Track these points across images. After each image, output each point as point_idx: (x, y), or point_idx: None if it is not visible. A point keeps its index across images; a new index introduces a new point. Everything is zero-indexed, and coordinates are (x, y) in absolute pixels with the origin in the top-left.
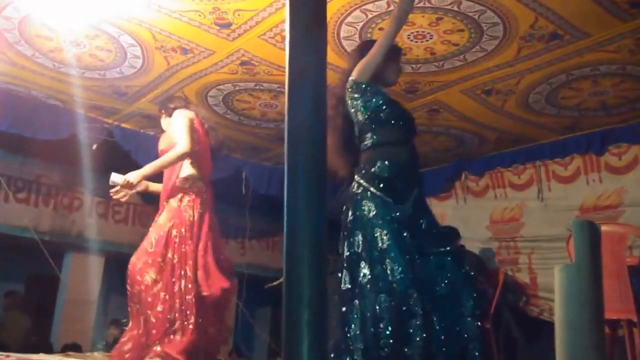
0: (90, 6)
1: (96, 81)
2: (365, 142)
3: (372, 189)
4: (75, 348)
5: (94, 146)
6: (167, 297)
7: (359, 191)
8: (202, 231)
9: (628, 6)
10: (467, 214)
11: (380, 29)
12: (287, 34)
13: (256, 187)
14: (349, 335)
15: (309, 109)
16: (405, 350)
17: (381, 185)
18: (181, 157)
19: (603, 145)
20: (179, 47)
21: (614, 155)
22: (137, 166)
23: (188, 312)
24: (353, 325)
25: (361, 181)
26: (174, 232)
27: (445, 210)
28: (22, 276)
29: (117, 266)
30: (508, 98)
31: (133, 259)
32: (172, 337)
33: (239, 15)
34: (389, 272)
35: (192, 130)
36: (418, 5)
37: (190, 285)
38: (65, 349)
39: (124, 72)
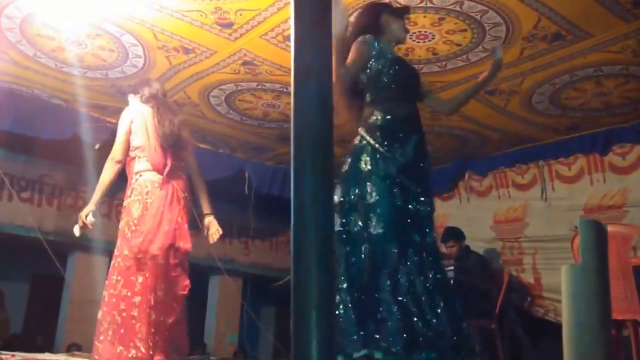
0: (92, 6)
1: (98, 81)
2: (366, 99)
3: (370, 139)
4: (77, 348)
5: (97, 146)
6: (127, 293)
7: (359, 144)
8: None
9: (631, 6)
10: (470, 214)
11: None
12: (292, 29)
13: (259, 186)
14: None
15: (315, 106)
16: (376, 295)
17: (378, 133)
18: (113, 167)
19: (607, 145)
20: (181, 46)
21: (617, 155)
22: None
23: None
24: (340, 264)
25: (361, 132)
26: (126, 229)
27: (448, 210)
28: (27, 276)
29: None
30: (511, 98)
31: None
32: None
33: (240, 15)
34: (372, 226)
35: (128, 132)
36: (420, 5)
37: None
38: (70, 349)
39: (126, 72)
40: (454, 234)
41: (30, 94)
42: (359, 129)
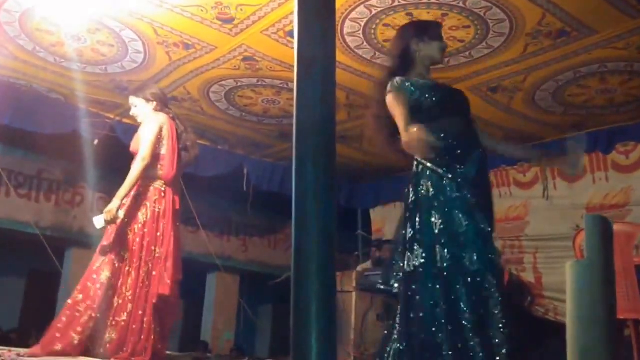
0: (92, 0)
1: (98, 76)
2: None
3: (427, 163)
4: None
5: (96, 141)
6: (116, 295)
7: (417, 170)
8: (165, 232)
9: (637, 2)
10: None
11: (385, 24)
12: (295, 23)
13: (258, 183)
14: (410, 317)
15: (318, 99)
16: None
17: (434, 154)
18: (143, 169)
19: (610, 143)
20: (181, 42)
21: (621, 154)
22: None
23: None
24: (413, 309)
25: (417, 157)
26: (127, 230)
27: None
28: (24, 272)
29: None
30: (514, 95)
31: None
32: None
33: (241, 10)
34: (438, 258)
35: (159, 138)
36: (423, 1)
37: (142, 284)
38: None
39: (125, 67)
40: None
41: (29, 88)
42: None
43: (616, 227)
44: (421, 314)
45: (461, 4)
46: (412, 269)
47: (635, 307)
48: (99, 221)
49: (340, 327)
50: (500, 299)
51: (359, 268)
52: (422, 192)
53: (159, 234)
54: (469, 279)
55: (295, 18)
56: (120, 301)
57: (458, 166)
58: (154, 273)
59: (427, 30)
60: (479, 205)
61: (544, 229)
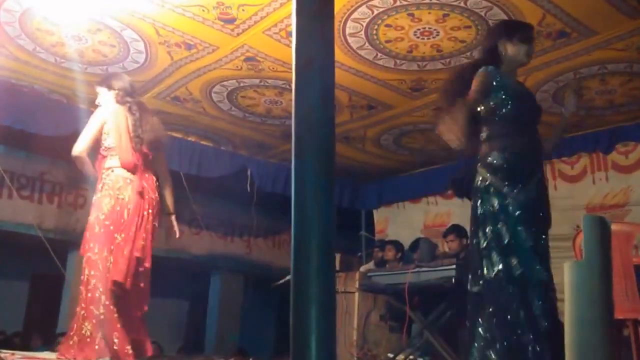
0: (93, 0)
1: (99, 76)
2: (482, 134)
3: (492, 180)
4: None
5: None
6: (88, 286)
7: (482, 185)
8: (128, 219)
9: (637, 3)
10: None
11: (387, 25)
12: (293, 22)
13: (261, 184)
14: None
15: (316, 99)
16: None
17: (498, 174)
18: (75, 160)
19: (610, 143)
20: (183, 42)
21: (620, 154)
22: None
23: None
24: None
25: (483, 172)
26: (95, 224)
27: (451, 209)
28: (27, 274)
29: None
30: None
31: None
32: None
33: (243, 10)
34: (512, 267)
35: (98, 135)
36: (425, 1)
37: (104, 273)
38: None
39: (127, 68)
40: (456, 230)
41: (30, 89)
42: (478, 166)
43: (615, 227)
44: (509, 317)
45: (462, 4)
46: (493, 275)
47: (634, 307)
48: None
49: (342, 327)
50: None
51: (362, 269)
52: (487, 207)
53: (122, 220)
54: (538, 288)
55: (293, 17)
56: (95, 294)
57: (521, 185)
58: (111, 259)
59: (517, 31)
60: (538, 221)
61: None
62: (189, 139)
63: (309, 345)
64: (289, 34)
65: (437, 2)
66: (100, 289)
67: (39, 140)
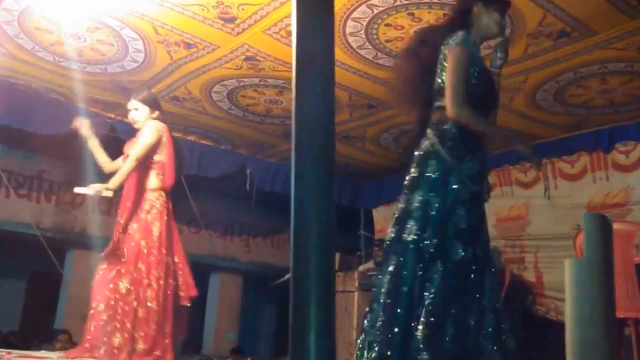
0: None
1: (98, 75)
2: (439, 102)
3: (439, 146)
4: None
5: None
6: (140, 306)
7: (428, 149)
8: (174, 239)
9: (637, 3)
10: None
11: (387, 24)
12: (293, 19)
13: (261, 183)
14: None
15: (317, 97)
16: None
17: (450, 143)
18: (133, 169)
19: (610, 143)
20: (182, 41)
21: (621, 153)
22: None
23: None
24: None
25: (432, 137)
26: (143, 243)
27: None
28: (25, 273)
29: None
30: (515, 96)
31: (103, 266)
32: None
33: (243, 9)
34: (427, 239)
35: (157, 145)
36: (425, 0)
37: (164, 295)
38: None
39: (125, 67)
40: None
41: (28, 88)
42: (429, 131)
43: (616, 226)
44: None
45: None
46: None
47: (635, 306)
48: (82, 189)
49: (341, 327)
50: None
51: (361, 268)
52: (428, 172)
53: (172, 242)
54: (451, 266)
55: (293, 15)
56: (145, 312)
57: (466, 159)
58: (170, 281)
59: (494, 1)
60: (474, 199)
61: (545, 228)
62: (189, 138)
63: (308, 344)
64: (289, 33)
65: (437, 1)
66: (155, 308)
67: (36, 139)
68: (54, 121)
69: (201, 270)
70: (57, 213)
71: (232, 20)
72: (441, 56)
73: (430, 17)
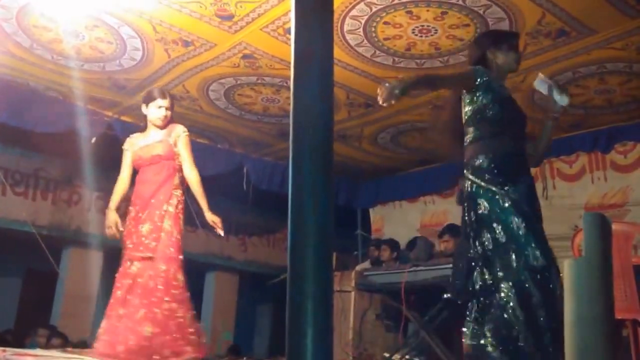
0: None
1: (96, 73)
2: (468, 136)
3: (481, 183)
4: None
5: (94, 139)
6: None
7: (471, 189)
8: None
9: (636, 2)
10: None
11: (385, 22)
12: (292, 19)
13: (258, 182)
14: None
15: (315, 93)
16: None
17: (486, 176)
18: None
19: (609, 143)
20: (180, 39)
21: (619, 154)
22: None
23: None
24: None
25: (469, 176)
26: (178, 237)
27: (448, 208)
28: (20, 271)
29: (116, 261)
30: (514, 95)
31: (163, 266)
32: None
33: (241, 7)
34: (514, 262)
35: None
36: None
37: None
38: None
39: (123, 65)
40: (451, 229)
41: (26, 86)
42: (465, 172)
43: (614, 227)
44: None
45: (460, 2)
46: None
47: (633, 307)
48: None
49: (338, 326)
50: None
51: (358, 267)
52: (481, 209)
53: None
54: (538, 276)
55: (292, 14)
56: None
57: (509, 184)
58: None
59: (505, 39)
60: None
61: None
62: None
63: (305, 344)
64: (287, 31)
65: (436, 0)
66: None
67: (34, 137)
68: (52, 119)
69: (197, 269)
70: (53, 211)
71: (229, 17)
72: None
73: (428, 16)
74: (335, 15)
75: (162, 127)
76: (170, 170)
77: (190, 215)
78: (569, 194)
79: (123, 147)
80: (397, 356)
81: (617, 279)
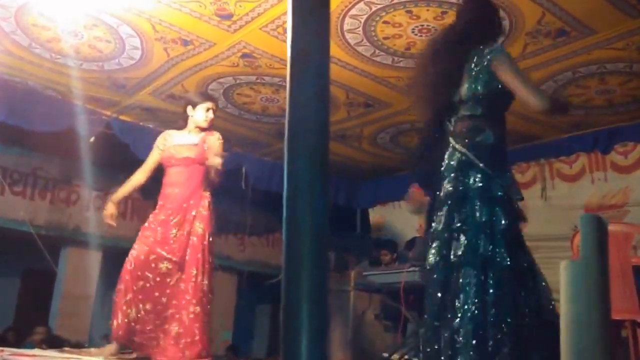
0: None
1: (94, 73)
2: (470, 112)
3: (477, 158)
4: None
5: (92, 139)
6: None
7: (463, 160)
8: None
9: (636, 2)
10: None
11: (385, 22)
12: (289, 16)
13: (256, 182)
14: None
15: (312, 94)
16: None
17: (489, 154)
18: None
19: (609, 143)
20: (179, 38)
21: (619, 154)
22: (136, 159)
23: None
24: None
25: (464, 150)
26: (210, 239)
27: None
28: (18, 271)
29: (114, 261)
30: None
31: (194, 270)
32: None
33: (240, 6)
34: (481, 250)
35: None
36: None
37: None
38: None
39: (122, 64)
40: None
41: (25, 85)
42: (456, 145)
43: (614, 228)
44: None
45: (460, 1)
46: (455, 258)
47: (632, 308)
48: None
49: (337, 326)
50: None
51: (357, 267)
52: (469, 184)
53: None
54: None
55: (288, 12)
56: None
57: (503, 170)
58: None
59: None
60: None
61: (542, 229)
62: None
63: (300, 346)
64: (286, 31)
65: None
66: None
67: (32, 136)
68: (50, 118)
69: None
70: (51, 210)
71: (229, 17)
72: (484, 63)
73: (428, 15)
74: (335, 15)
75: (206, 130)
76: (201, 175)
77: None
78: (568, 195)
79: (155, 144)
80: (396, 356)
81: (616, 280)
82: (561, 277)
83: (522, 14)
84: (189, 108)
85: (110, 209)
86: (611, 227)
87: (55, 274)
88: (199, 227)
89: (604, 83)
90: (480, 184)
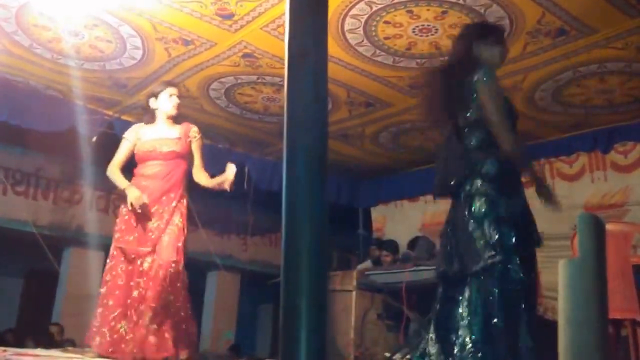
0: None
1: (96, 72)
2: (472, 142)
3: (486, 189)
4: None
5: (94, 138)
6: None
7: (474, 192)
8: None
9: (636, 2)
10: None
11: (386, 22)
12: (287, 16)
13: (258, 182)
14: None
15: (309, 94)
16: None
17: (492, 184)
18: None
19: (609, 143)
20: (180, 38)
21: (619, 154)
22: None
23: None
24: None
25: (475, 181)
26: (186, 234)
27: (448, 208)
28: (21, 271)
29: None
30: (514, 95)
31: (174, 257)
32: None
33: (241, 6)
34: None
35: None
36: None
37: None
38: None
39: (123, 64)
40: None
41: (26, 85)
42: (469, 174)
43: (614, 227)
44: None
45: (461, 1)
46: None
47: (632, 307)
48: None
49: (340, 326)
50: None
51: (359, 267)
52: (475, 210)
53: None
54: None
55: (286, 12)
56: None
57: (514, 195)
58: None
59: (491, 32)
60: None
61: (542, 228)
62: None
63: (299, 345)
64: None
65: None
66: None
67: (34, 136)
68: (52, 118)
69: (199, 269)
70: (54, 211)
71: (229, 16)
72: (473, 94)
73: (429, 15)
74: (336, 15)
75: (175, 118)
76: (183, 170)
77: (191, 214)
78: (568, 194)
79: (124, 136)
80: (398, 356)
81: (616, 279)
82: (559, 276)
83: (522, 14)
84: (152, 100)
85: (135, 191)
86: (611, 227)
87: (58, 274)
88: (179, 220)
89: (604, 83)
90: (484, 209)
